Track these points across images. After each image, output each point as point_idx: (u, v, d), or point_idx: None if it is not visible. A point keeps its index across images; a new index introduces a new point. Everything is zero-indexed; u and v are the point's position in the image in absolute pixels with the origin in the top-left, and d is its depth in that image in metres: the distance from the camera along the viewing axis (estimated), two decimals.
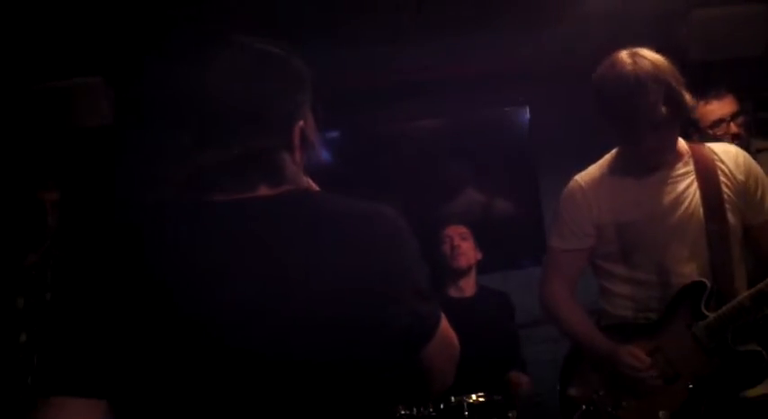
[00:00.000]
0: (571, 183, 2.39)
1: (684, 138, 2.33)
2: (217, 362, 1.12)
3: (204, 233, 1.16)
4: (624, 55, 2.13)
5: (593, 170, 2.38)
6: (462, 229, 3.68)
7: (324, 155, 1.34)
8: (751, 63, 3.58)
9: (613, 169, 2.33)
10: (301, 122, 1.28)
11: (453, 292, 3.62)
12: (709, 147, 2.30)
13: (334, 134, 4.10)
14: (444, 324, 1.29)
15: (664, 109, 2.05)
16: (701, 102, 3.15)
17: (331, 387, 1.16)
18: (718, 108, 3.18)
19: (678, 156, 2.26)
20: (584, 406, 2.29)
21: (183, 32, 2.31)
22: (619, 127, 2.17)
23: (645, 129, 2.09)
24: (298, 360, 1.13)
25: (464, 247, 3.61)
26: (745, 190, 2.23)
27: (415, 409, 2.93)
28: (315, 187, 1.38)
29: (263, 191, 1.23)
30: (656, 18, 3.52)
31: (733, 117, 3.17)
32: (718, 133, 3.12)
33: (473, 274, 3.65)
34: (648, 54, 2.12)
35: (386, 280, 1.19)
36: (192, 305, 1.13)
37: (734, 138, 3.08)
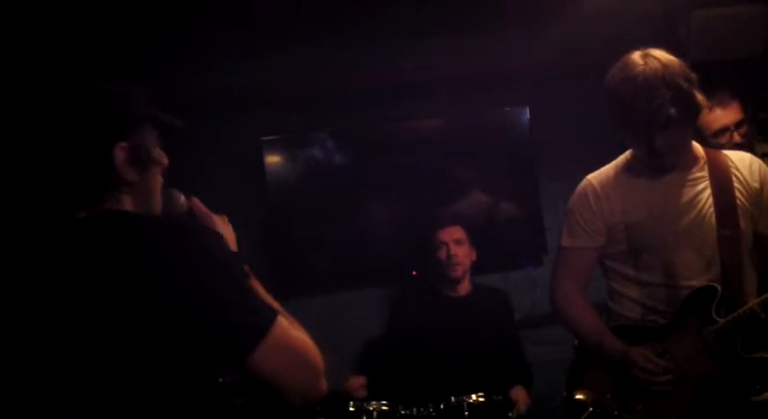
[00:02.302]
0: (583, 183, 2.39)
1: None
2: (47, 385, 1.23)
3: (39, 255, 1.29)
4: (636, 56, 2.13)
5: (606, 170, 2.38)
6: (457, 233, 3.59)
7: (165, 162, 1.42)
8: (751, 63, 3.58)
9: (626, 169, 2.33)
10: (123, 143, 1.32)
11: (449, 292, 3.61)
12: (724, 154, 2.31)
13: (334, 134, 4.10)
14: (280, 334, 1.29)
15: (672, 111, 2.04)
16: (705, 110, 3.10)
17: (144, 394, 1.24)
18: (723, 116, 3.10)
19: (694, 159, 2.27)
20: (590, 408, 2.29)
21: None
22: (628, 128, 2.17)
23: (653, 131, 2.09)
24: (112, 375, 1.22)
25: (460, 256, 3.54)
26: (758, 197, 2.23)
27: (414, 409, 2.93)
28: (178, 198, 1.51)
29: (82, 213, 1.32)
30: (656, 18, 3.52)
31: (737, 126, 3.11)
32: (722, 142, 3.05)
33: (468, 275, 3.62)
34: (660, 55, 2.11)
35: (192, 294, 1.23)
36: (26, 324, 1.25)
37: (736, 147, 2.97)
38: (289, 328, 1.31)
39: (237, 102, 3.94)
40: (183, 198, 1.53)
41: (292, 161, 4.05)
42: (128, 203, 1.35)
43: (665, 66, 2.08)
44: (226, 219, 1.56)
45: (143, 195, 1.37)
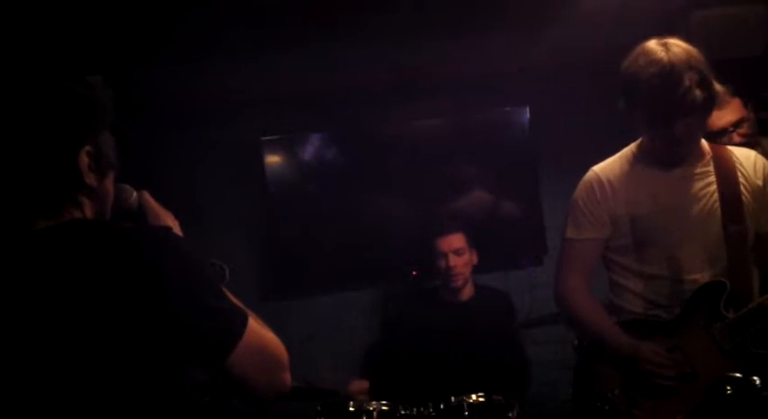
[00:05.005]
0: (588, 174, 2.39)
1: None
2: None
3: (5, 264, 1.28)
4: (653, 44, 2.14)
5: (611, 161, 2.38)
6: (457, 242, 3.50)
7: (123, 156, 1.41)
8: (751, 63, 3.58)
9: (632, 162, 2.33)
10: (87, 148, 1.32)
11: (450, 298, 3.59)
12: (730, 150, 2.32)
13: (334, 134, 4.10)
14: (252, 335, 1.31)
15: (698, 93, 2.06)
16: None
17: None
18: (719, 118, 2.97)
19: (699, 154, 2.28)
20: (598, 404, 2.27)
21: None
22: (647, 115, 2.16)
23: (677, 117, 2.09)
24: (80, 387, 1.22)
25: (459, 266, 3.47)
26: (761, 195, 2.24)
27: (414, 409, 2.93)
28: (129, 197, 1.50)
29: (41, 223, 1.31)
30: (656, 18, 3.52)
31: (736, 126, 3.02)
32: (722, 143, 2.88)
33: (469, 280, 3.59)
34: (676, 42, 2.13)
35: (155, 302, 1.23)
36: None
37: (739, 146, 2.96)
38: (258, 328, 1.35)
39: (237, 102, 3.95)
40: (134, 193, 1.52)
41: (292, 161, 4.05)
42: (88, 208, 1.35)
43: (686, 51, 2.10)
44: (172, 216, 1.56)
45: (100, 200, 1.38)
